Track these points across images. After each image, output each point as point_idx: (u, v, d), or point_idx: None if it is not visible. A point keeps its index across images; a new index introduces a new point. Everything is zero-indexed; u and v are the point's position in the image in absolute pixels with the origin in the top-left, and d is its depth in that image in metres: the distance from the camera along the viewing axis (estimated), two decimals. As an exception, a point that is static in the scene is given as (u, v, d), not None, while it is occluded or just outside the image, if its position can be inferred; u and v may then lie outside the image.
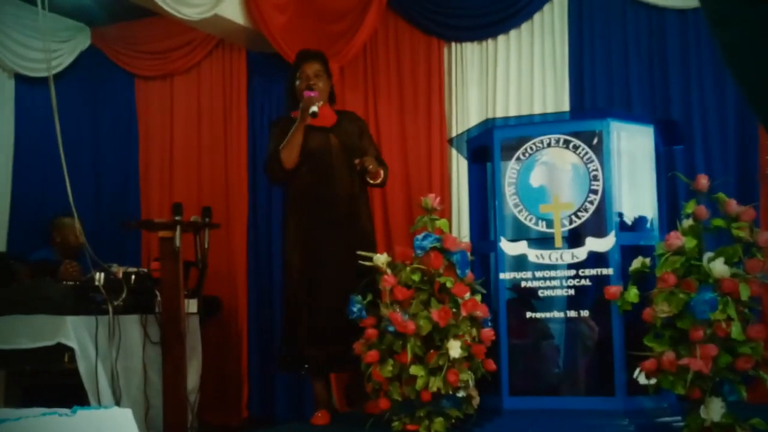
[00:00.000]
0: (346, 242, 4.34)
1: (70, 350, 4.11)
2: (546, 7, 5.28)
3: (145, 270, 4.75)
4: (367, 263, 3.94)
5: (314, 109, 4.30)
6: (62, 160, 3.81)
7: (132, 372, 4.43)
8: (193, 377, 4.70)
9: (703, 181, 3.64)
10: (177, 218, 4.34)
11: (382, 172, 4.47)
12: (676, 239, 3.50)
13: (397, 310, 3.78)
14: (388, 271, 3.88)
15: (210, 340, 5.29)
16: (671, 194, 4.63)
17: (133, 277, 4.49)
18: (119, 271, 4.45)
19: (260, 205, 5.84)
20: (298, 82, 4.56)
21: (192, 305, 4.71)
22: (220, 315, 5.55)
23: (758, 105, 1.03)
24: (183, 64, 6.13)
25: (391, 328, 3.76)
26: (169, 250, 4.32)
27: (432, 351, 3.74)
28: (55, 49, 6.11)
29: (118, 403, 4.16)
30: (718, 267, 3.39)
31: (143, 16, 5.86)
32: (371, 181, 4.47)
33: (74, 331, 4.10)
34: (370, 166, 4.35)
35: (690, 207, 3.59)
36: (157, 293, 4.46)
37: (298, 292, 4.40)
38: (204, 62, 6.10)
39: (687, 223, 3.57)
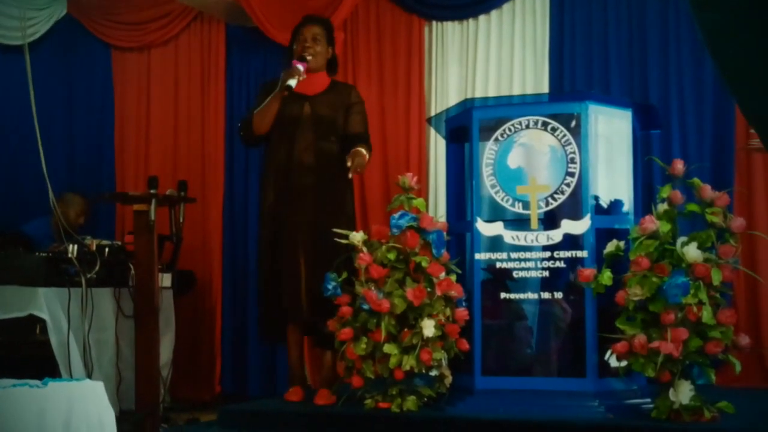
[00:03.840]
0: (312, 213, 4.28)
1: (42, 322, 4.09)
2: (527, -13, 5.28)
3: (119, 243, 4.73)
4: (343, 241, 3.93)
5: (291, 83, 4.21)
6: (36, 129, 3.77)
7: (104, 345, 4.43)
8: (166, 351, 4.70)
9: (679, 166, 3.67)
10: (152, 191, 4.31)
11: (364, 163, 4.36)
12: (651, 223, 3.52)
13: (372, 288, 3.78)
14: (364, 249, 3.88)
15: (184, 314, 5.28)
16: (647, 178, 4.65)
17: (106, 250, 4.46)
18: (93, 243, 4.43)
19: (237, 179, 5.82)
20: (295, 45, 4.45)
21: (166, 279, 4.70)
22: (195, 289, 5.54)
23: (737, 88, 1.04)
24: (160, 36, 6.07)
25: (365, 306, 3.77)
26: (143, 224, 4.29)
27: (406, 330, 3.75)
28: (30, 17, 6.03)
29: (89, 375, 4.16)
30: (692, 252, 3.41)
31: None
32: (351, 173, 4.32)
33: (46, 303, 4.08)
34: (359, 169, 4.23)
35: (665, 191, 3.61)
36: (131, 267, 4.44)
37: (266, 263, 4.37)
38: (182, 35, 6.05)
39: (662, 207, 3.60)
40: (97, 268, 4.28)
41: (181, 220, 4.61)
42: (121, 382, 4.49)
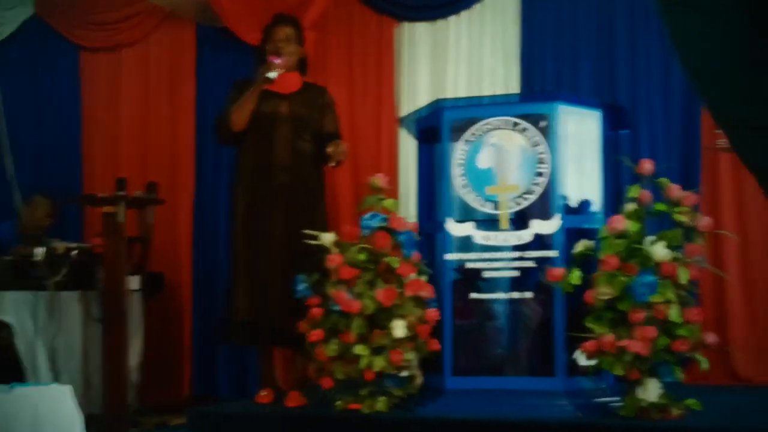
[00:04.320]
0: (287, 213, 4.28)
1: (8, 326, 4.04)
2: (498, -11, 5.30)
3: (87, 246, 4.68)
4: (313, 242, 3.92)
5: (270, 74, 4.20)
6: (2, 131, 3.72)
7: (72, 349, 4.38)
8: (134, 355, 4.66)
9: (647, 166, 3.69)
10: (121, 193, 4.27)
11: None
12: (619, 223, 3.55)
13: (343, 289, 3.77)
14: (335, 250, 3.87)
15: (153, 316, 5.24)
16: (616, 178, 4.68)
17: (74, 252, 4.42)
18: (60, 246, 4.38)
19: (207, 180, 5.78)
20: (267, 45, 4.43)
21: (135, 282, 4.66)
22: (164, 291, 5.49)
23: (703, 90, 1.05)
24: (130, 36, 6.02)
25: (336, 308, 3.76)
26: (112, 226, 4.25)
27: (376, 330, 3.74)
28: (-4, 17, 5.96)
29: (56, 380, 4.12)
30: (659, 251, 3.44)
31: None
32: (330, 164, 4.35)
33: (12, 307, 4.03)
34: (342, 156, 4.26)
35: (633, 191, 3.64)
36: (99, 269, 4.39)
37: (238, 264, 4.35)
38: (152, 34, 6.00)
39: (630, 207, 3.62)
40: (64, 271, 4.24)
41: (150, 222, 4.57)
42: (89, 387, 4.45)
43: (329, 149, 4.21)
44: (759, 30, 0.97)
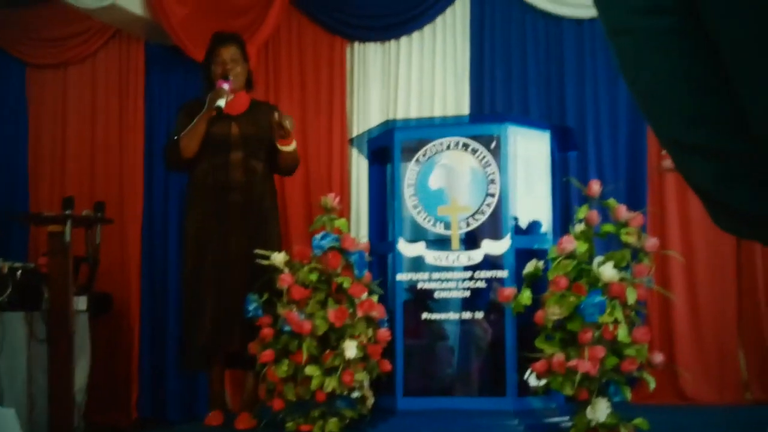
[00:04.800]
0: (242, 234, 4.25)
1: (-50, 348, 3.94)
2: (448, 11, 5.35)
3: (32, 265, 4.59)
4: (265, 262, 3.90)
5: (221, 103, 4.16)
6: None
7: (16, 371, 4.28)
8: (80, 377, 4.57)
9: (595, 187, 3.75)
10: (68, 212, 4.20)
11: (293, 142, 4.33)
12: (569, 243, 3.59)
13: (294, 309, 3.75)
14: (286, 270, 3.86)
15: (100, 337, 5.15)
16: (565, 199, 4.75)
17: (18, 272, 4.33)
18: (4, 266, 4.29)
19: (156, 199, 5.72)
20: (213, 66, 4.40)
21: (81, 302, 4.58)
22: (111, 312, 5.41)
23: (648, 112, 1.07)
24: (78, 53, 5.94)
25: (287, 328, 3.74)
26: (58, 245, 4.17)
27: (328, 351, 3.73)
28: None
29: (0, 402, 4.02)
30: (608, 271, 3.49)
31: (37, 1, 5.67)
32: (281, 146, 4.29)
33: (-46, 328, 3.93)
34: (287, 122, 4.18)
35: (582, 212, 3.69)
36: (45, 289, 4.31)
37: (191, 285, 4.30)
38: (100, 52, 5.93)
39: (579, 227, 3.67)
40: (8, 291, 4.15)
41: (97, 242, 4.51)
42: (34, 409, 4.34)
43: (275, 117, 4.17)
44: (700, 53, 0.99)
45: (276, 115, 4.21)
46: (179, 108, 4.56)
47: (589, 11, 4.96)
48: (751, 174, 0.99)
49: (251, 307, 3.89)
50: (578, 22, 5.08)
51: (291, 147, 4.34)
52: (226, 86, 4.22)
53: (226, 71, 4.33)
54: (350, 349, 3.69)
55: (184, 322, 4.41)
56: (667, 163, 4.79)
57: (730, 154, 1.00)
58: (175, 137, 4.32)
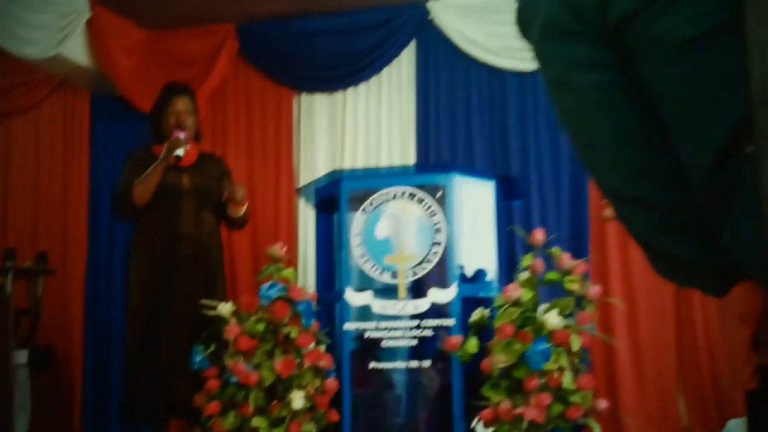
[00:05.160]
0: (191, 285, 4.22)
1: None
2: (394, 63, 5.43)
3: (-28, 318, 4.49)
4: (211, 312, 3.87)
5: (179, 152, 4.14)
6: None
7: (-48, 427, 4.16)
8: (20, 432, 4.45)
9: (539, 235, 3.81)
10: (9, 263, 4.14)
11: (245, 206, 4.39)
12: (514, 291, 3.63)
13: (241, 360, 3.72)
14: (233, 320, 3.83)
15: (41, 393, 5.03)
16: (510, 247, 4.81)
17: (-43, 325, 4.22)
18: (-57, 318, 4.19)
19: (100, 250, 5.64)
20: (165, 116, 4.36)
21: (21, 356, 4.48)
22: (53, 367, 5.29)
23: (588, 163, 1.10)
24: (22, 104, 5.88)
25: (233, 379, 3.70)
26: (-1, 297, 4.11)
27: (275, 402, 3.70)
28: None
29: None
30: (552, 319, 3.53)
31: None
32: (233, 213, 4.34)
33: None
34: (239, 195, 4.23)
35: (527, 260, 3.74)
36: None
37: (137, 336, 4.24)
38: (44, 102, 5.89)
39: (524, 275, 3.72)
40: (-54, 344, 4.04)
41: (39, 294, 4.43)
42: (-29, 466, 4.22)
43: (226, 191, 4.22)
44: (638, 107, 1.03)
45: (228, 190, 4.23)
46: (126, 156, 4.50)
47: (530, 64, 5.07)
48: (690, 225, 1.02)
49: (197, 359, 3.85)
50: (520, 75, 5.20)
51: (242, 212, 4.37)
52: (182, 135, 4.20)
53: (180, 122, 4.32)
54: (297, 399, 3.67)
55: (128, 373, 4.32)
56: (608, 212, 4.89)
57: (670, 206, 1.03)
58: (126, 185, 4.26)
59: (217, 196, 4.36)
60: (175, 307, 4.18)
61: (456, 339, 3.71)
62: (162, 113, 4.37)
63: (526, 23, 1.09)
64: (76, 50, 5.15)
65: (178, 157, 4.14)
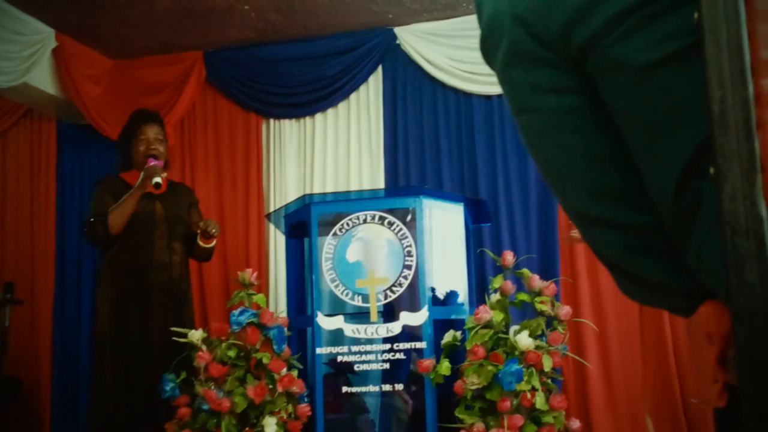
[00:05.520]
0: (162, 313, 4.19)
1: None
2: (362, 88, 5.46)
3: (-63, 350, 4.42)
4: (182, 339, 3.84)
5: (158, 180, 4.11)
6: None
7: None
8: (-12, 465, 4.38)
9: (509, 257, 3.84)
10: (-25, 294, 4.08)
11: (215, 240, 4.40)
12: (485, 313, 3.65)
13: (212, 387, 3.70)
14: (203, 347, 3.81)
15: (9, 423, 4.96)
16: (480, 269, 4.83)
17: None
18: None
19: (68, 279, 5.59)
20: (135, 143, 4.35)
21: (-11, 387, 4.41)
22: (21, 396, 5.22)
23: (554, 185, 1.11)
24: (-12, 132, 5.84)
25: (205, 407, 3.67)
26: (-35, 329, 4.04)
27: (248, 429, 3.67)
28: None
29: None
30: (524, 340, 3.55)
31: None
32: (203, 244, 4.34)
33: None
34: (213, 230, 4.27)
35: (497, 282, 3.76)
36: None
37: (104, 362, 4.18)
38: (10, 131, 5.85)
39: (495, 297, 3.74)
40: None
41: (6, 324, 4.37)
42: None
43: (200, 225, 4.27)
44: (601, 130, 1.05)
45: (204, 224, 4.28)
46: (96, 183, 4.46)
47: (496, 88, 5.08)
48: (656, 245, 1.03)
49: (168, 387, 3.81)
50: (487, 98, 5.25)
51: (211, 245, 4.41)
52: (158, 164, 4.19)
53: (150, 150, 4.31)
54: (270, 425, 3.65)
55: (95, 401, 4.24)
56: (576, 233, 4.94)
57: (635, 227, 1.04)
58: (99, 213, 4.21)
59: (188, 225, 4.36)
60: (149, 336, 4.15)
61: (428, 362, 3.72)
62: (132, 140, 4.36)
63: (490, 49, 1.11)
64: (42, 79, 5.13)
65: (157, 185, 4.12)
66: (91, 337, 4.57)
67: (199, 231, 4.31)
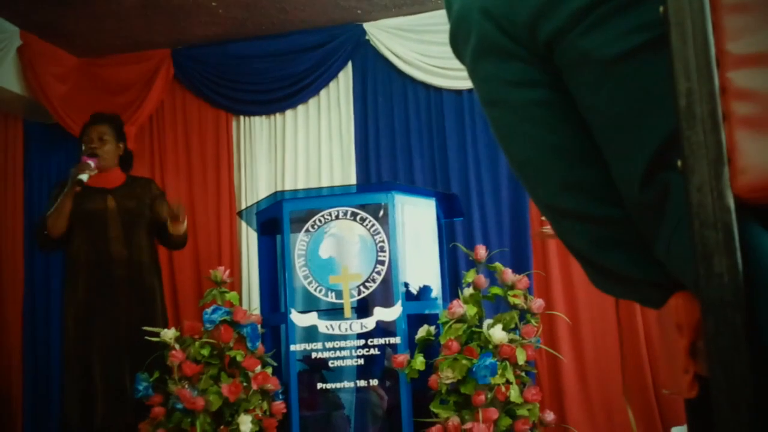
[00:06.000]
0: (128, 309, 4.16)
1: None
2: (332, 84, 5.45)
3: None
4: (154, 339, 3.81)
5: (83, 177, 4.09)
6: None
7: None
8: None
9: (481, 251, 3.85)
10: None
11: (185, 223, 4.35)
12: (459, 307, 3.66)
13: (186, 386, 3.68)
14: (176, 346, 3.78)
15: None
16: (453, 264, 4.84)
17: None
18: None
19: (37, 281, 5.53)
20: (82, 145, 4.35)
21: (-41, 391, 4.36)
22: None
23: (524, 179, 1.12)
24: (-47, 133, 5.76)
25: (179, 406, 3.65)
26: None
27: (222, 427, 3.66)
28: None
29: None
30: (497, 333, 3.57)
31: None
32: (174, 231, 4.28)
33: None
34: (181, 209, 4.23)
35: (470, 276, 3.77)
36: None
37: (72, 361, 4.16)
38: (-24, 131, 5.77)
39: (468, 291, 3.75)
40: None
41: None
42: None
43: (166, 210, 4.23)
44: (570, 123, 1.05)
45: (168, 209, 4.22)
46: (53, 186, 4.48)
47: (467, 82, 5.13)
48: (625, 238, 1.04)
49: (141, 387, 3.78)
50: (457, 93, 5.26)
51: (182, 229, 4.33)
52: (91, 162, 4.17)
53: (91, 149, 4.29)
54: (245, 423, 3.64)
55: (67, 403, 4.21)
56: (548, 229, 4.96)
57: (604, 220, 1.05)
58: (41, 218, 4.22)
59: (150, 218, 4.33)
60: (115, 332, 4.11)
61: (402, 357, 3.72)
62: (81, 143, 4.38)
63: (459, 43, 1.11)
64: (8, 78, 5.07)
65: (80, 181, 4.09)
66: (61, 339, 4.51)
67: (168, 218, 4.25)
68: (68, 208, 4.16)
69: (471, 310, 3.67)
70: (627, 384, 4.92)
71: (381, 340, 3.89)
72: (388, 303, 3.90)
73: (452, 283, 4.47)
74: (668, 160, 0.91)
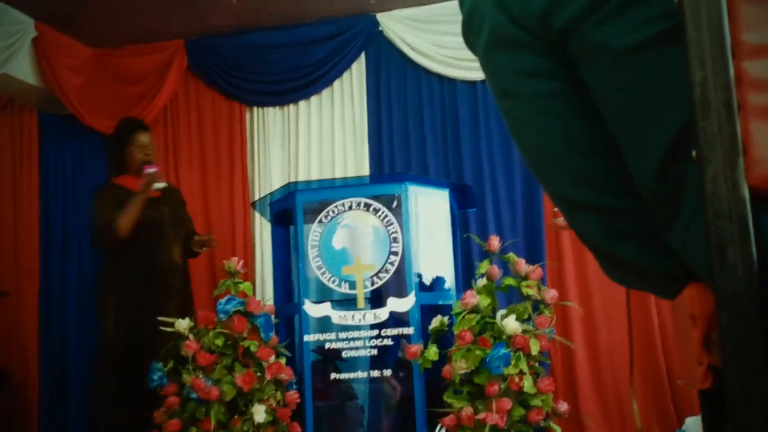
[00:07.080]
0: (180, 309, 4.26)
1: None
2: (345, 75, 5.45)
3: None
4: (168, 329, 3.83)
5: (161, 186, 4.32)
6: None
7: None
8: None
9: (495, 242, 3.84)
10: (-41, 287, 4.06)
11: None
12: (472, 298, 3.66)
13: (200, 376, 3.70)
14: (190, 336, 3.80)
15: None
16: (466, 255, 4.84)
17: None
18: None
19: (54, 270, 5.56)
20: (130, 150, 4.46)
21: (-24, 380, 4.40)
22: (8, 388, 5.20)
23: (537, 171, 1.11)
24: (-32, 125, 5.79)
25: (193, 395, 3.67)
26: (-50, 322, 4.03)
27: (237, 417, 3.68)
28: None
29: None
30: (511, 324, 3.56)
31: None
32: (195, 249, 4.61)
33: None
34: (213, 240, 4.54)
35: (483, 267, 3.77)
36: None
37: (113, 360, 4.22)
38: (-8, 123, 5.80)
39: (481, 282, 3.75)
40: None
41: (-8, 316, 4.35)
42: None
43: (203, 237, 4.57)
44: (583, 115, 1.05)
45: (207, 238, 4.58)
46: (95, 192, 4.55)
47: (480, 73, 5.10)
48: (638, 230, 1.03)
49: (156, 376, 3.81)
50: (471, 84, 5.25)
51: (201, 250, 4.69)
52: (155, 170, 4.33)
53: (147, 156, 4.44)
54: (259, 413, 3.65)
55: (104, 404, 4.27)
56: (561, 220, 4.95)
57: (618, 211, 1.04)
58: (106, 219, 4.28)
59: (185, 226, 4.59)
60: (161, 338, 4.15)
61: (416, 347, 3.72)
62: (126, 147, 4.47)
63: (472, 34, 1.11)
64: (23, 69, 5.08)
65: (164, 188, 4.37)
66: (97, 338, 4.51)
67: (201, 241, 4.56)
68: (139, 213, 4.28)
69: (484, 301, 3.66)
70: (635, 376, 4.92)
71: (394, 331, 3.90)
72: (401, 294, 3.91)
73: (465, 274, 4.46)
74: (684, 151, 0.91)
